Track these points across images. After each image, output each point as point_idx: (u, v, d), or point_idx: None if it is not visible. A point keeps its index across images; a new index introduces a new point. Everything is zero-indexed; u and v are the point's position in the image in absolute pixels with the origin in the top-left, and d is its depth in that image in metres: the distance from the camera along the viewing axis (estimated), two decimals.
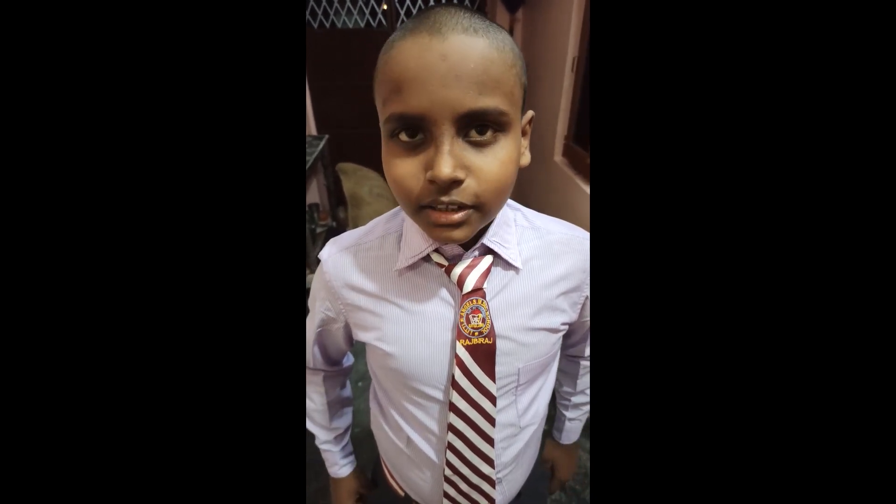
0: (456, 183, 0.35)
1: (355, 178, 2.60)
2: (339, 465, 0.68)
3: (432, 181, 0.35)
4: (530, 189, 2.38)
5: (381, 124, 0.38)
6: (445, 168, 0.34)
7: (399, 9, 2.54)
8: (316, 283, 0.52)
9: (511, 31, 2.45)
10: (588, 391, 0.68)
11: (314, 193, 2.93)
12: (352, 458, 0.70)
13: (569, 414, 0.70)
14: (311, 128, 2.74)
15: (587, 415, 0.70)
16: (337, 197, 2.79)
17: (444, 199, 0.36)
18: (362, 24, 2.60)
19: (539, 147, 2.20)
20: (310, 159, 2.21)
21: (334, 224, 2.81)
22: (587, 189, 1.63)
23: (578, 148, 1.83)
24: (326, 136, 2.56)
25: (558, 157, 2.02)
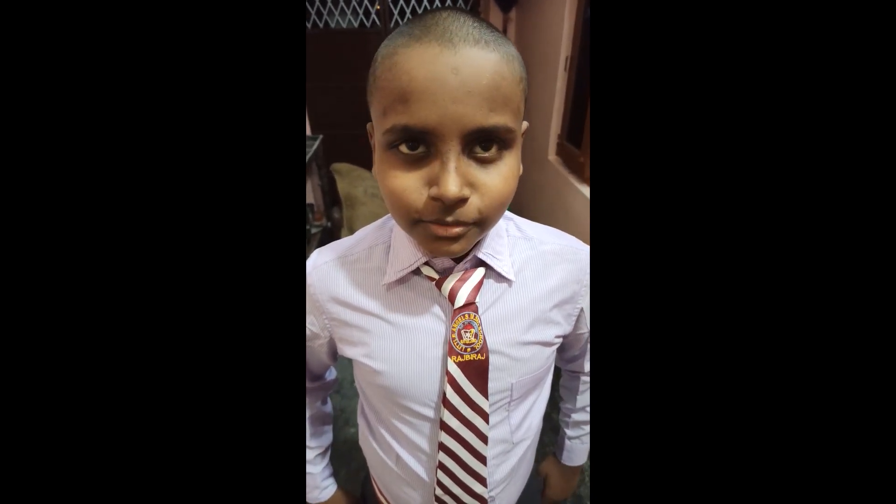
0: (461, 201, 0.34)
1: (350, 179, 2.59)
2: (321, 489, 0.65)
3: (437, 199, 0.34)
4: (525, 188, 2.38)
5: (376, 133, 0.36)
6: (453, 187, 0.33)
7: (392, 8, 2.53)
8: None
9: (504, 31, 2.44)
10: (588, 409, 0.66)
11: (308, 194, 2.92)
12: (332, 479, 0.67)
13: (569, 432, 0.67)
14: (306, 128, 2.73)
15: (589, 436, 0.68)
16: (331, 197, 2.78)
17: (449, 218, 0.35)
18: (356, 24, 2.58)
19: (533, 146, 2.20)
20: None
21: (329, 224, 2.80)
22: (581, 188, 1.64)
23: (572, 147, 1.83)
24: (321, 137, 2.55)
25: (552, 156, 2.03)
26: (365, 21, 2.57)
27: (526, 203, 2.38)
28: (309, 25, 2.52)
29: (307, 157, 2.25)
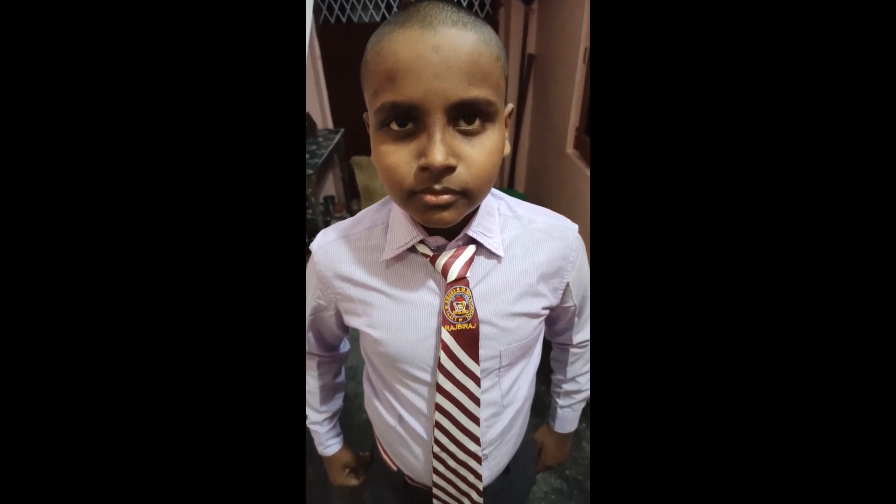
0: (448, 170, 0.37)
1: (369, 172, 2.64)
2: (325, 445, 0.71)
3: (425, 168, 0.36)
4: (543, 181, 2.38)
5: (370, 114, 0.40)
6: (439, 156, 0.35)
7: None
8: (308, 272, 0.56)
9: (526, 24, 2.43)
10: (578, 379, 0.69)
11: (330, 186, 2.99)
12: (339, 438, 0.73)
13: (560, 402, 0.71)
14: (328, 121, 2.79)
15: (581, 404, 0.72)
16: (351, 189, 2.84)
17: (437, 186, 0.38)
18: (377, 18, 2.62)
19: (552, 139, 2.19)
20: (325, 153, 2.26)
21: (348, 216, 2.87)
22: None
23: (589, 139, 1.82)
24: (342, 130, 2.60)
25: (570, 150, 2.02)
26: (387, 14, 2.61)
27: (544, 195, 2.38)
28: (332, 20, 2.57)
29: (328, 150, 2.31)
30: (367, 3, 2.58)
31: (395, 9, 2.58)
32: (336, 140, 2.47)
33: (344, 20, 2.59)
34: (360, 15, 2.61)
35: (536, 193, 2.51)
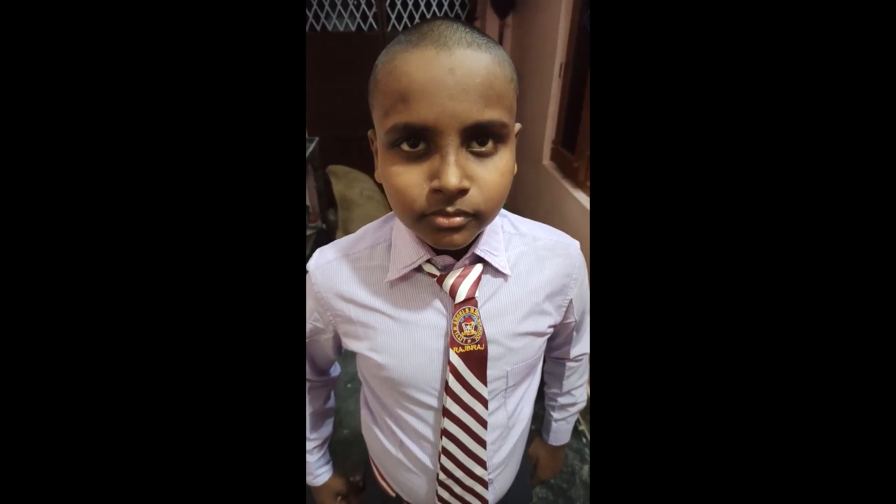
0: (461, 192, 0.36)
1: (346, 181, 2.60)
2: (315, 475, 0.68)
3: (438, 190, 0.36)
4: (520, 192, 2.41)
5: (379, 134, 0.39)
6: (453, 178, 0.35)
7: (390, 13, 2.56)
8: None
9: (501, 37, 2.47)
10: (574, 392, 0.69)
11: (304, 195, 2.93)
12: (329, 465, 0.70)
13: (556, 415, 0.71)
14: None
15: (575, 416, 0.72)
16: (327, 199, 2.79)
17: (450, 209, 0.37)
18: (353, 28, 2.60)
19: (528, 151, 2.23)
20: None
21: (324, 226, 2.81)
22: (574, 192, 1.67)
23: (566, 152, 1.86)
24: (317, 139, 2.56)
25: (546, 161, 2.05)
26: (362, 25, 2.59)
27: (522, 206, 2.41)
28: (307, 27, 2.54)
29: None
30: (343, 11, 2.56)
31: (370, 19, 2.57)
32: (311, 149, 2.42)
33: (318, 28, 2.56)
34: (335, 24, 2.59)
35: (514, 203, 2.53)
